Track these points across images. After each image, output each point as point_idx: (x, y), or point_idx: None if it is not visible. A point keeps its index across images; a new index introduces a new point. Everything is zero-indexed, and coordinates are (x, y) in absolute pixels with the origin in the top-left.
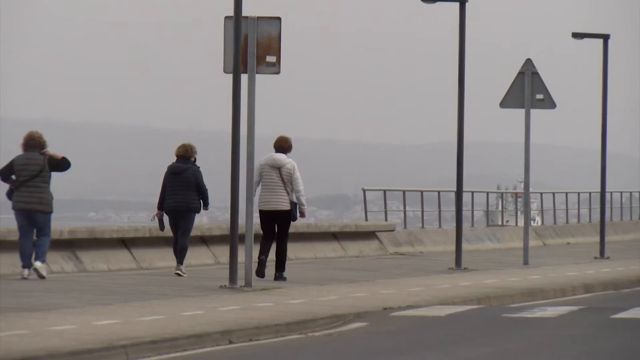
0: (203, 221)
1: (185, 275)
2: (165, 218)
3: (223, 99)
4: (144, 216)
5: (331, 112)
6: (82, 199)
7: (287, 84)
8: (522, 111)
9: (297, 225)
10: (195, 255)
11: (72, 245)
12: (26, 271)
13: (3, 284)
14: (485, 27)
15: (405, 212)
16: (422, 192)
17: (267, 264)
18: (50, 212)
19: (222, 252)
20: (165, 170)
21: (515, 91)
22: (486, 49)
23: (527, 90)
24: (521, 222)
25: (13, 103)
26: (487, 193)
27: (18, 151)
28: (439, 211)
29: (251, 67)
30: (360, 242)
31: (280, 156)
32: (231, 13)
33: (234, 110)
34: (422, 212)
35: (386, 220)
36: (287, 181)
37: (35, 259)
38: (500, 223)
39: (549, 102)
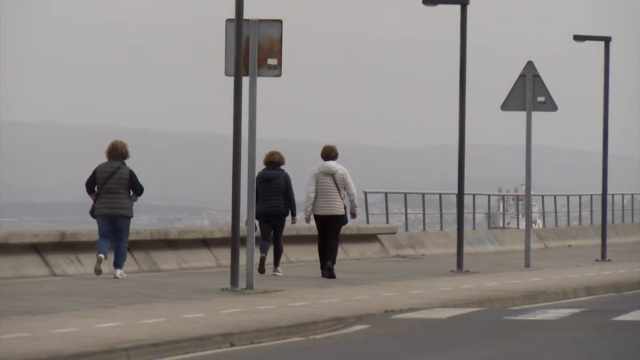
0: (204, 223)
1: (281, 274)
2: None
3: (224, 102)
4: (145, 219)
5: (332, 114)
6: (84, 202)
7: (289, 87)
8: (523, 114)
9: (299, 227)
10: (197, 258)
11: (74, 248)
12: (102, 254)
13: (5, 287)
14: (487, 29)
15: (406, 214)
16: (423, 194)
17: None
18: (131, 217)
19: (224, 255)
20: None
21: (517, 94)
22: (487, 52)
23: (529, 92)
24: (522, 225)
25: (16, 107)
26: (489, 196)
27: (20, 155)
28: (441, 214)
29: (252, 70)
30: (361, 244)
31: (333, 163)
32: (233, 16)
33: (236, 113)
34: (424, 214)
35: (387, 222)
36: (341, 186)
37: (115, 267)
38: (501, 225)
39: (550, 105)
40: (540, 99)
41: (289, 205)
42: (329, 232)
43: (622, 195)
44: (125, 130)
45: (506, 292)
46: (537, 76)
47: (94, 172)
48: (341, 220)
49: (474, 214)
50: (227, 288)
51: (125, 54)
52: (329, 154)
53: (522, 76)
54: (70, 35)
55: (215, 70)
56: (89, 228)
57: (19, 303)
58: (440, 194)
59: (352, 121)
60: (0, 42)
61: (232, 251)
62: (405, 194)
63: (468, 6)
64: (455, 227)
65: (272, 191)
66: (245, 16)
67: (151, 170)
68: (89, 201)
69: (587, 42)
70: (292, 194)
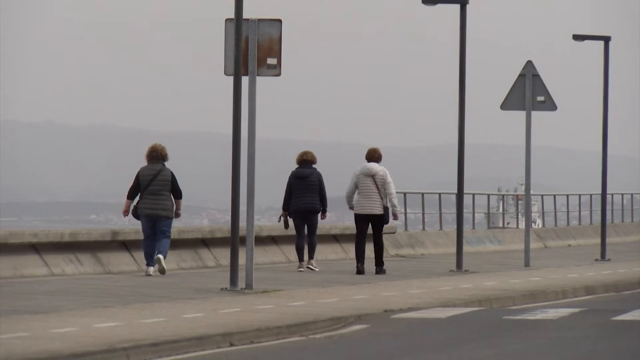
0: (204, 223)
1: (317, 269)
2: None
3: (224, 101)
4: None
5: (332, 114)
6: (83, 201)
7: (288, 86)
8: (523, 113)
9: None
10: (196, 258)
11: (73, 247)
12: (151, 269)
13: (5, 287)
14: (486, 29)
15: (406, 214)
16: (422, 194)
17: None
18: (172, 218)
19: (223, 255)
20: (290, 175)
21: (516, 93)
22: (487, 51)
23: (528, 92)
24: (522, 224)
25: (14, 106)
26: (488, 195)
27: (19, 154)
28: (440, 213)
29: (252, 69)
30: None
31: (374, 165)
32: (232, 15)
33: (235, 113)
34: (423, 214)
35: None
36: (381, 187)
37: (157, 254)
38: (501, 225)
39: (549, 104)
40: (540, 98)
41: (321, 202)
42: (374, 233)
43: (622, 194)
44: (125, 130)
45: (506, 291)
46: (536, 76)
47: (137, 177)
48: (381, 219)
49: (473, 213)
50: (226, 288)
51: (125, 54)
52: (372, 155)
53: (521, 75)
54: (70, 34)
55: (215, 69)
56: (89, 228)
57: (19, 303)
58: (439, 194)
59: (351, 121)
60: None
61: (232, 251)
62: (404, 193)
63: (467, 5)
64: (455, 226)
65: (306, 188)
66: (245, 16)
67: None
68: (88, 201)
69: (586, 41)
70: (324, 192)
